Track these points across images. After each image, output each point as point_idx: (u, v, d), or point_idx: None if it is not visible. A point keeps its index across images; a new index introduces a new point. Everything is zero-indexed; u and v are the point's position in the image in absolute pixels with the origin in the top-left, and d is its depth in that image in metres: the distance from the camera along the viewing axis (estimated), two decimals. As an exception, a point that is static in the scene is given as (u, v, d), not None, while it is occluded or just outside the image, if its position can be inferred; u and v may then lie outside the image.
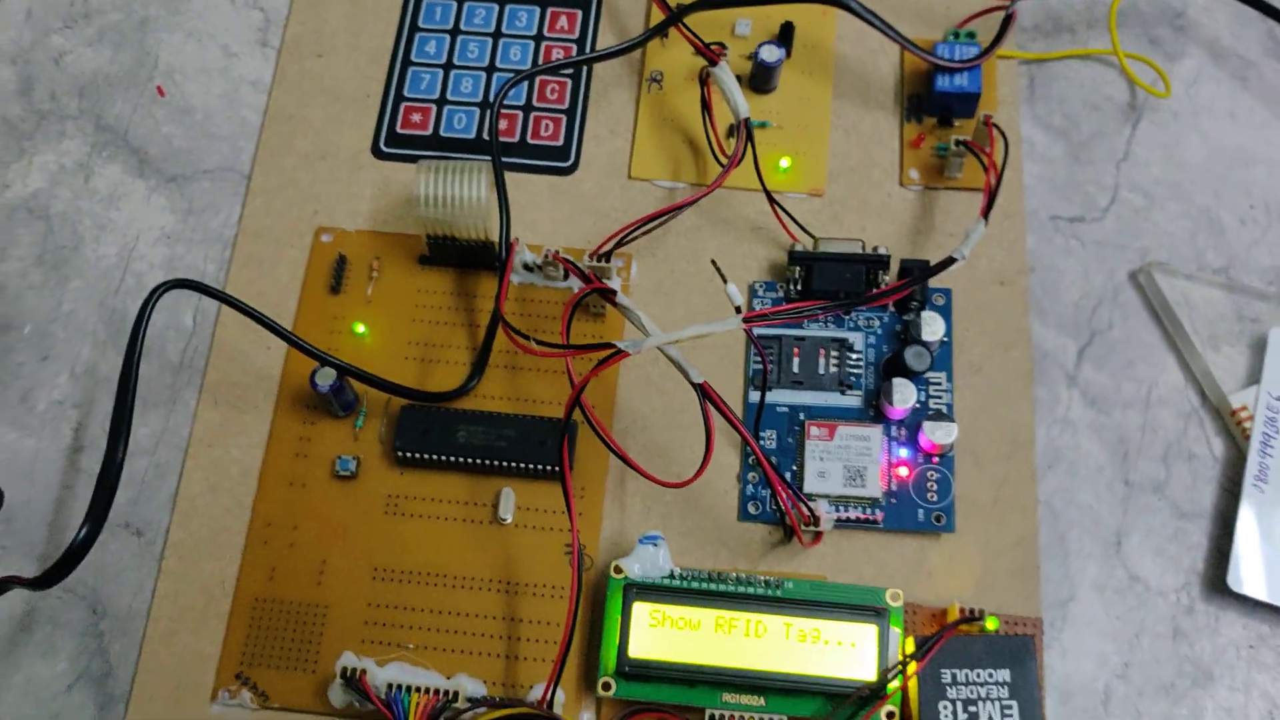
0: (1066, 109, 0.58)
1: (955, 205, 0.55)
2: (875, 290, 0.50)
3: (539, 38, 0.59)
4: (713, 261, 0.49)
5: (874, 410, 0.51)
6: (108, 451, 0.44)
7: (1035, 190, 0.56)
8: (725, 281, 0.45)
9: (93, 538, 0.43)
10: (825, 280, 0.52)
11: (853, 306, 0.50)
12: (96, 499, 0.43)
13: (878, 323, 0.53)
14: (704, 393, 0.45)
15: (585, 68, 0.58)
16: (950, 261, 0.47)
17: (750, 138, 0.52)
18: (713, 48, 0.54)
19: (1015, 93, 0.58)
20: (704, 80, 0.54)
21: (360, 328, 0.53)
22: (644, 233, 0.52)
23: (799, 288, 0.53)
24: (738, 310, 0.45)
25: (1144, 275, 0.54)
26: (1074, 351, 0.53)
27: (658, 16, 0.57)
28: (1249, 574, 0.49)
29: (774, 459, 0.50)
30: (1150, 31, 0.60)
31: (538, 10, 0.59)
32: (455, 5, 0.60)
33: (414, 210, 0.51)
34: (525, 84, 0.58)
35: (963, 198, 0.55)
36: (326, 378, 0.49)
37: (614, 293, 0.47)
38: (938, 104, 0.56)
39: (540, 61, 0.58)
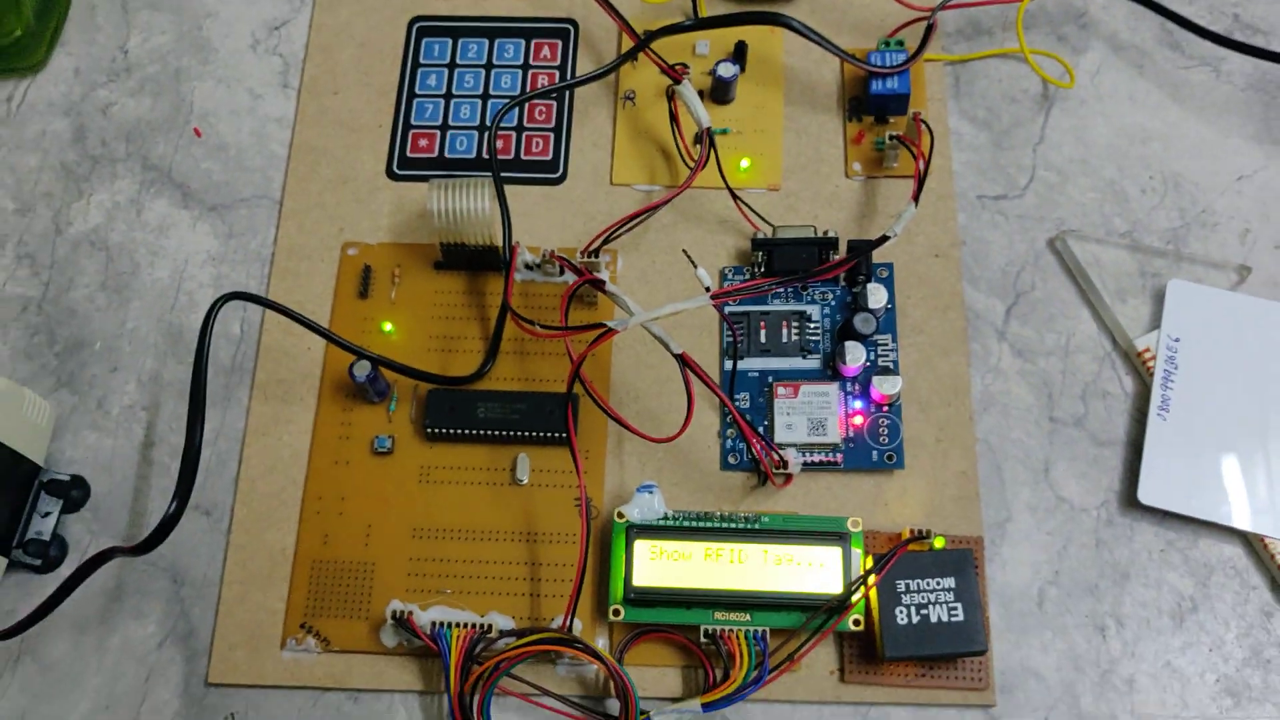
0: (988, 102, 0.67)
1: (894, 191, 0.64)
2: (824, 265, 0.59)
3: (525, 66, 0.67)
4: (684, 251, 0.58)
5: (831, 370, 0.60)
6: (187, 438, 0.52)
7: (963, 174, 0.65)
8: (695, 266, 0.54)
9: (180, 511, 0.51)
10: (784, 261, 0.61)
11: (804, 280, 0.59)
12: (182, 478, 0.52)
13: (831, 296, 0.61)
14: (684, 362, 0.54)
15: (568, 91, 0.67)
16: (884, 239, 0.56)
17: (712, 144, 0.61)
18: (676, 68, 0.63)
19: (942, 91, 0.67)
20: (670, 96, 0.63)
21: (388, 326, 0.61)
22: (626, 230, 0.61)
23: (762, 269, 0.61)
24: (707, 290, 0.53)
25: (1060, 242, 0.63)
26: (1002, 311, 0.62)
27: (628, 43, 0.65)
28: (1157, 489, 0.57)
29: (748, 416, 0.59)
30: (1058, 30, 0.69)
31: (523, 42, 0.68)
32: (451, 41, 0.68)
33: (428, 223, 0.59)
34: (517, 108, 0.66)
35: (900, 184, 0.64)
36: (363, 369, 0.58)
37: (603, 282, 0.56)
38: (874, 105, 0.65)
39: (528, 88, 0.67)
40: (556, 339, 0.57)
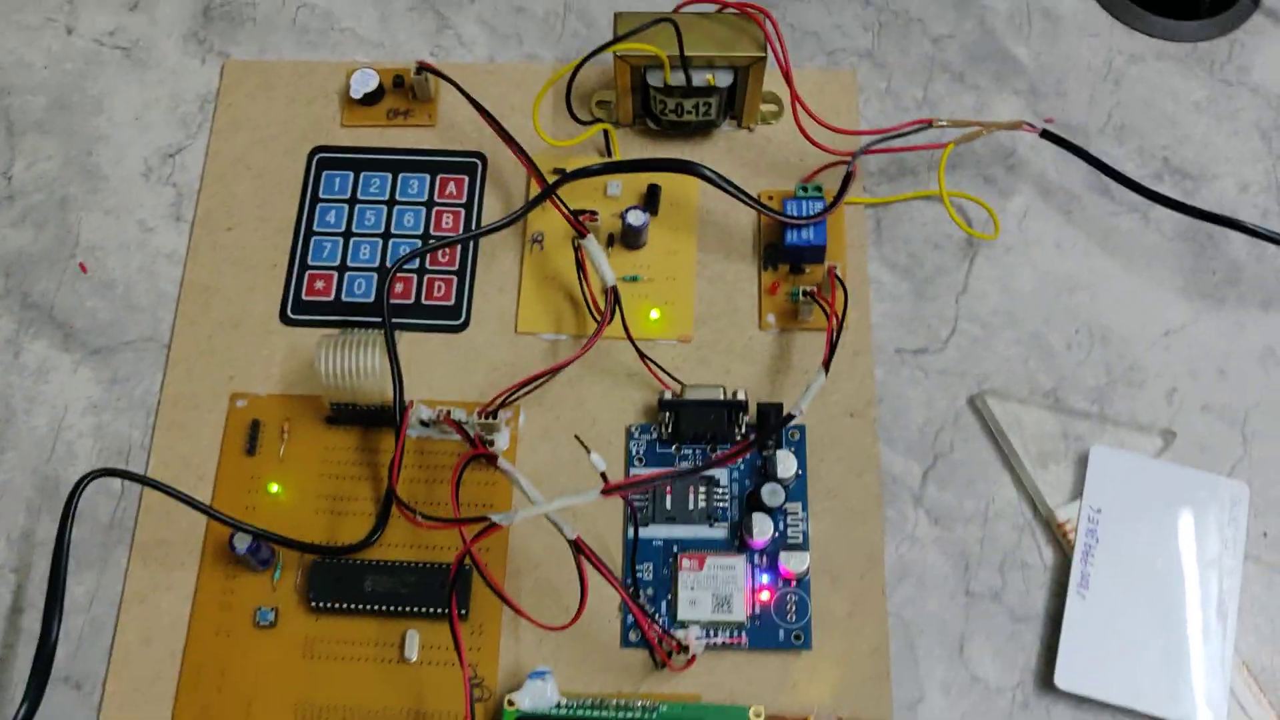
0: (911, 248, 0.64)
1: (809, 345, 0.62)
2: (724, 454, 0.56)
3: (430, 203, 0.65)
4: (576, 437, 0.55)
5: (739, 540, 0.57)
6: (42, 633, 0.49)
7: (883, 326, 0.63)
8: (588, 451, 0.51)
9: (33, 713, 0.48)
10: (691, 424, 0.58)
11: (703, 469, 0.56)
12: (35, 675, 0.48)
13: (740, 460, 0.59)
14: (578, 548, 0.51)
15: (472, 227, 0.64)
16: (789, 418, 0.54)
17: (618, 302, 0.58)
18: (582, 217, 0.61)
19: (862, 235, 0.64)
20: (577, 247, 0.60)
21: (274, 487, 0.58)
22: (527, 392, 0.58)
23: (669, 429, 0.59)
24: (603, 476, 0.51)
25: (980, 401, 0.61)
26: (919, 474, 0.60)
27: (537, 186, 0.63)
28: (1074, 673, 0.55)
29: (650, 590, 0.56)
30: (985, 170, 0.66)
31: (428, 178, 0.65)
32: (353, 175, 0.65)
33: (317, 381, 0.56)
34: (418, 245, 0.64)
35: (816, 338, 0.62)
36: (243, 541, 0.55)
37: (495, 457, 0.53)
38: (789, 255, 0.62)
39: (431, 227, 0.64)
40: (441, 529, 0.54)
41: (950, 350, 0.62)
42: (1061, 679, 0.55)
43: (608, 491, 0.49)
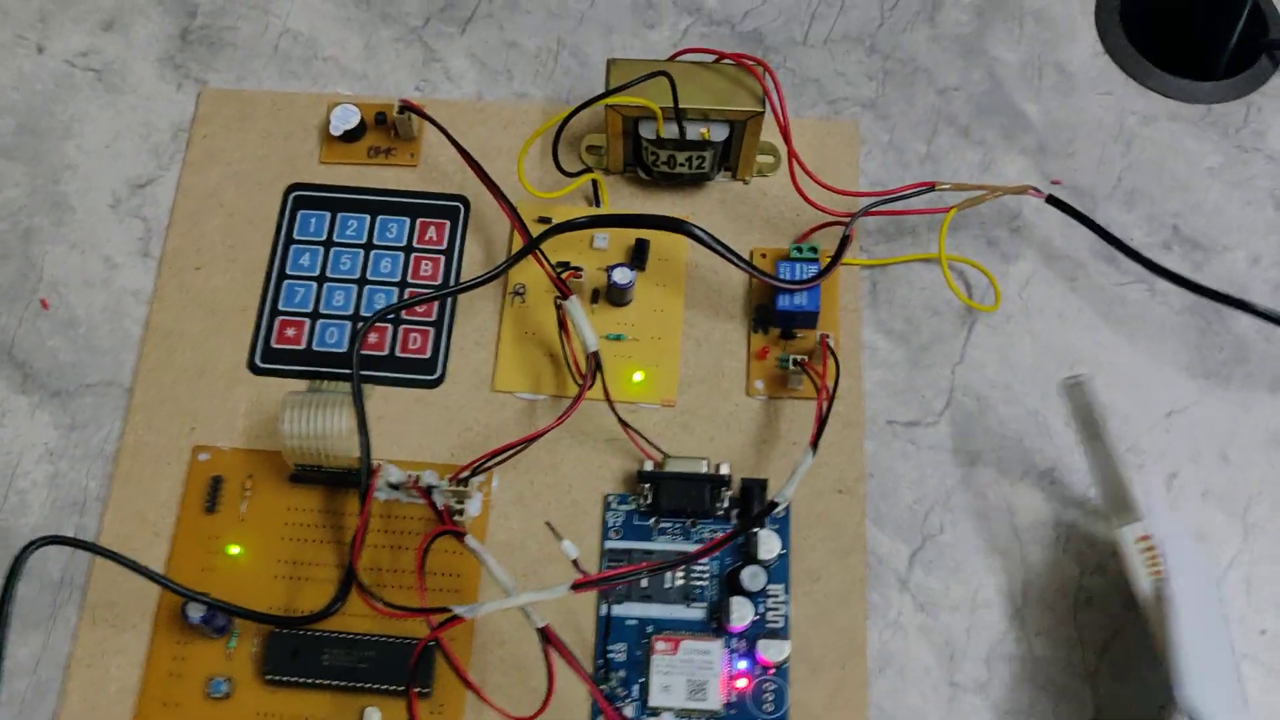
0: (907, 313, 0.62)
1: (797, 415, 0.59)
2: (705, 546, 0.54)
3: (409, 249, 0.62)
4: (548, 523, 0.53)
5: (716, 623, 0.55)
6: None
7: (875, 395, 0.60)
8: (559, 539, 0.49)
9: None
10: (672, 497, 0.56)
11: (680, 564, 0.53)
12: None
13: (720, 534, 0.56)
14: (545, 637, 0.48)
15: (451, 276, 0.61)
16: (772, 506, 0.51)
17: (599, 367, 0.56)
18: (566, 274, 0.58)
19: (857, 299, 0.62)
20: (559, 306, 0.57)
21: (234, 549, 0.56)
22: (500, 462, 0.55)
23: (649, 501, 0.56)
24: (575, 565, 0.48)
25: (1073, 388, 0.55)
26: (907, 556, 0.57)
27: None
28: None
29: (622, 672, 0.54)
30: (989, 233, 0.64)
31: (408, 221, 0.63)
32: (329, 215, 0.63)
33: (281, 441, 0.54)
34: (395, 294, 0.61)
35: (804, 407, 0.59)
36: (197, 611, 0.52)
37: (463, 535, 0.51)
38: (780, 319, 0.59)
39: (409, 274, 0.61)
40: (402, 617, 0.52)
41: (944, 424, 0.60)
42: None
43: (579, 587, 0.47)
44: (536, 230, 0.60)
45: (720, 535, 0.54)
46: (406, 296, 0.61)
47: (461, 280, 0.61)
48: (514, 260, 0.58)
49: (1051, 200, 0.62)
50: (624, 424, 0.57)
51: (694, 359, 0.60)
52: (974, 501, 0.58)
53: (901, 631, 0.56)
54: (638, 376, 0.59)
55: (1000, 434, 0.60)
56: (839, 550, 0.57)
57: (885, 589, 0.57)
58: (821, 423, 0.54)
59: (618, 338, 0.60)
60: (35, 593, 0.56)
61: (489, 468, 0.56)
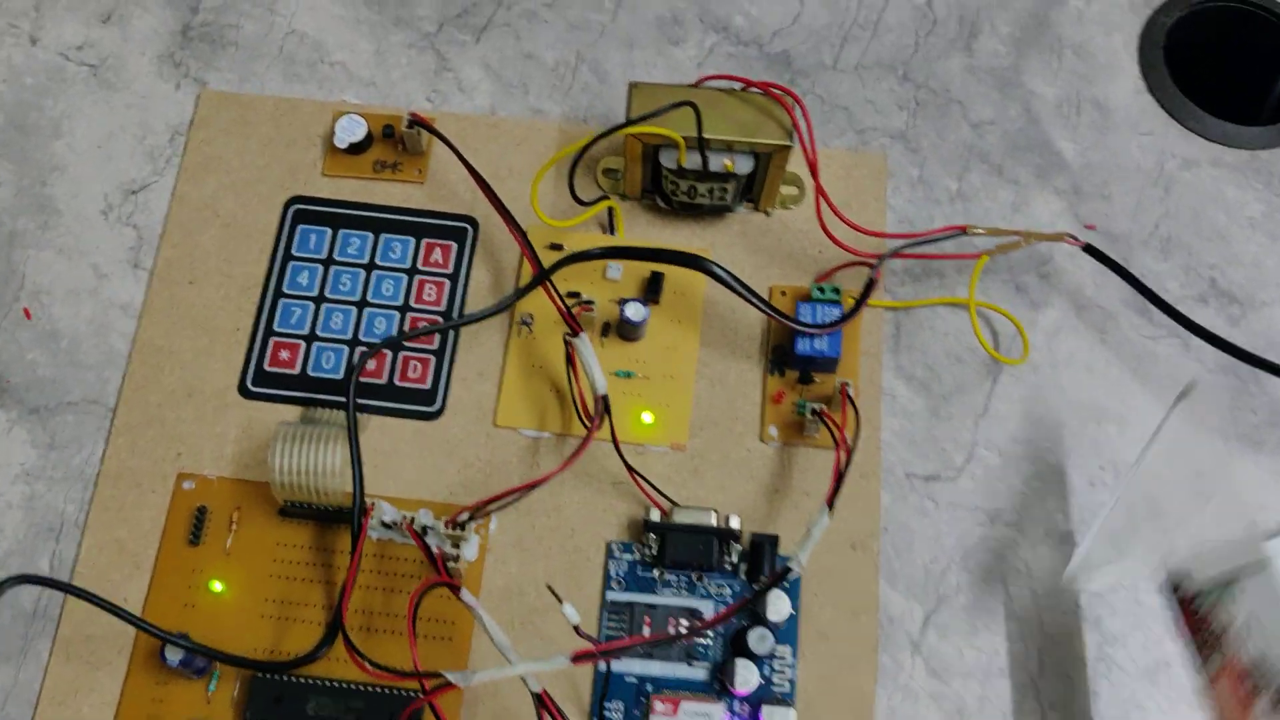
0: (930, 359, 0.59)
1: (812, 464, 0.57)
2: (711, 619, 0.51)
3: (412, 271, 0.59)
4: (549, 586, 0.50)
5: (719, 684, 0.52)
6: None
7: (893, 446, 0.57)
8: (560, 602, 0.46)
9: None
10: (678, 551, 0.53)
11: (680, 640, 0.51)
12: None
13: (728, 591, 0.54)
14: (541, 701, 0.46)
15: (456, 301, 0.58)
16: (786, 571, 0.48)
17: (608, 411, 0.53)
18: (578, 308, 0.55)
19: (878, 342, 0.59)
20: (568, 342, 0.55)
21: (217, 585, 0.53)
22: (500, 507, 0.53)
23: (654, 552, 0.54)
24: (576, 630, 0.46)
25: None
26: (920, 617, 0.55)
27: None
28: None
29: (620, 733, 0.51)
30: (1017, 278, 0.61)
31: (413, 241, 0.60)
32: (330, 232, 0.60)
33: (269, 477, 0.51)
34: (396, 318, 0.58)
35: (819, 456, 0.57)
36: (175, 654, 0.50)
37: (459, 588, 0.48)
38: (799, 363, 0.57)
39: (412, 298, 0.59)
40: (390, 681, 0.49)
41: (964, 480, 0.57)
42: None
43: (579, 659, 0.44)
44: (548, 257, 0.57)
45: (729, 606, 0.52)
46: (409, 323, 0.58)
47: (467, 309, 0.58)
48: (523, 293, 0.55)
49: (1089, 250, 0.59)
50: (631, 470, 0.54)
51: (706, 400, 0.58)
52: (992, 562, 0.56)
53: (912, 697, 0.54)
54: (647, 417, 0.57)
55: (1022, 492, 0.57)
56: (850, 610, 0.54)
57: (897, 651, 0.54)
58: (839, 480, 0.52)
59: (627, 375, 0.57)
60: (6, 623, 0.53)
61: (488, 512, 0.53)
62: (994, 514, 0.57)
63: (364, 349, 0.57)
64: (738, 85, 0.57)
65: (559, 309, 0.54)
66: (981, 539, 0.56)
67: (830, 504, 0.51)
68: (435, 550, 0.51)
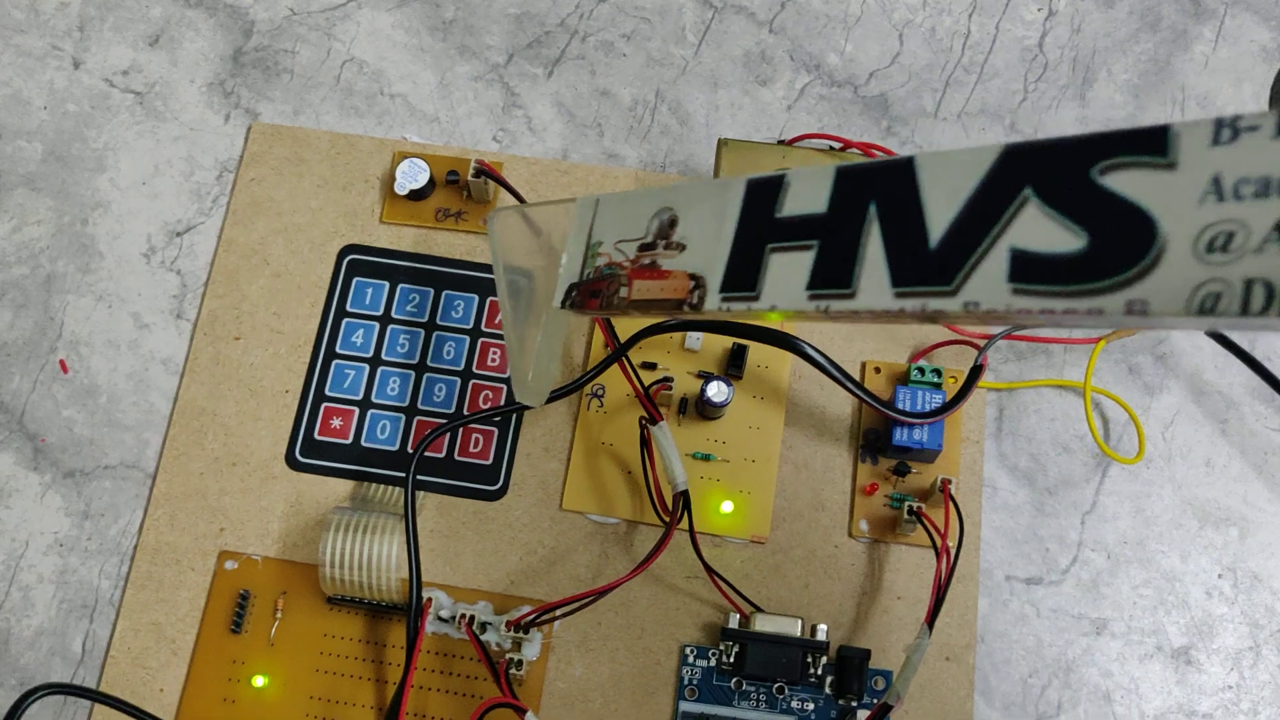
0: (1034, 448, 0.54)
1: (907, 563, 0.52)
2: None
3: (475, 332, 0.55)
4: None
5: (800, 810, 0.48)
6: None
7: (993, 544, 0.53)
8: (639, 745, 0.42)
9: None
10: (758, 663, 0.49)
11: None
12: None
13: (812, 707, 0.49)
14: (611, 846, 0.42)
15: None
16: (887, 710, 0.44)
17: (688, 509, 0.48)
18: (655, 388, 0.51)
19: (981, 428, 0.54)
20: (644, 427, 0.50)
21: (259, 680, 0.49)
22: (566, 614, 0.48)
23: (731, 660, 0.49)
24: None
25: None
26: (1018, 738, 0.50)
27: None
28: None
29: None
30: (1130, 358, 0.56)
31: (476, 300, 0.55)
32: (388, 286, 0.55)
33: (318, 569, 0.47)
34: (457, 385, 0.54)
35: (915, 555, 0.52)
36: (213, 763, 0.46)
37: (524, 710, 0.44)
38: (894, 452, 0.52)
39: (475, 363, 0.54)
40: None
41: (1068, 584, 0.52)
42: None
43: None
44: (623, 323, 0.52)
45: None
46: (470, 391, 0.53)
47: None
48: (598, 370, 0.51)
49: (1212, 334, 0.54)
50: (710, 570, 0.50)
51: (791, 488, 0.53)
52: (1097, 679, 0.51)
53: (1007, 828, 0.49)
54: (727, 506, 0.52)
55: (1132, 600, 0.52)
56: (942, 728, 0.50)
57: (991, 777, 0.50)
58: (940, 594, 0.47)
59: (706, 457, 0.53)
60: (35, 710, 0.49)
61: (553, 619, 0.49)
62: (1100, 624, 0.52)
63: (424, 411, 0.52)
64: (836, 145, 0.52)
65: (637, 393, 0.50)
66: (1086, 651, 0.51)
67: (930, 623, 0.46)
68: (495, 650, 0.46)
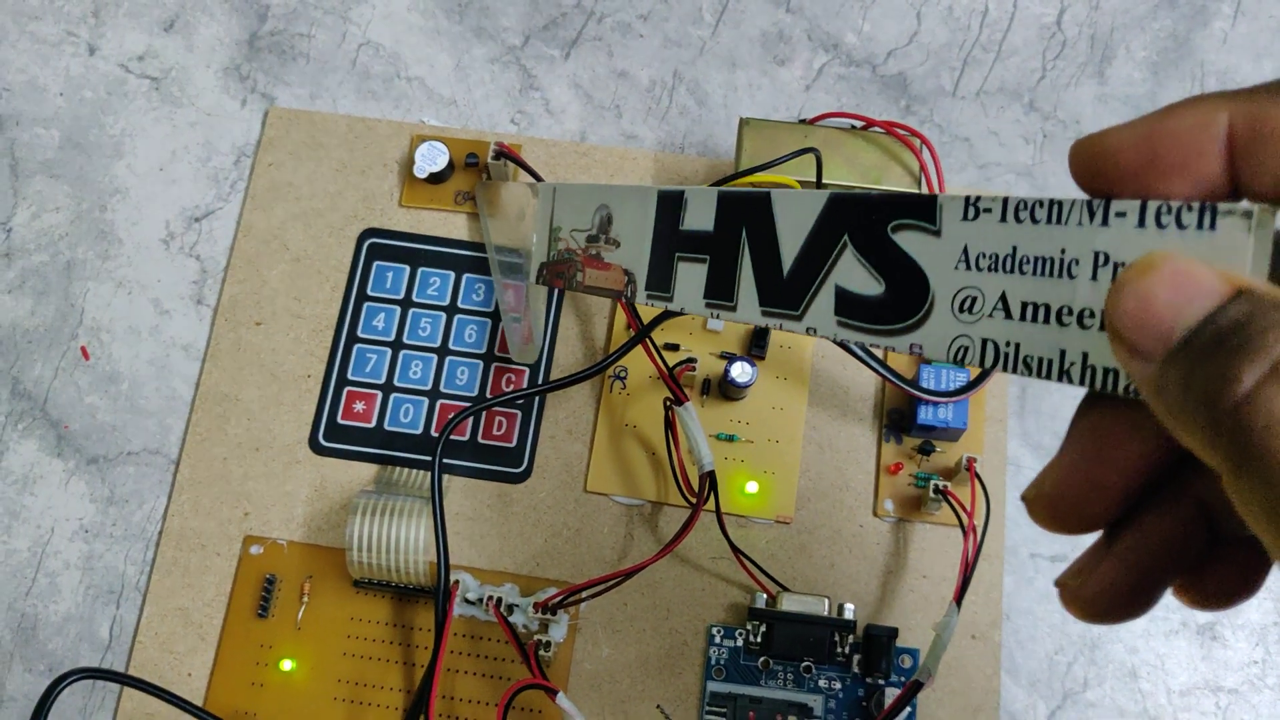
0: (1057, 425, 0.54)
1: (932, 542, 0.52)
2: None
3: (497, 315, 0.54)
4: (659, 707, 0.46)
5: (828, 789, 0.48)
6: None
7: (1017, 523, 0.53)
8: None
9: None
10: (785, 642, 0.49)
11: None
12: None
13: (839, 686, 0.49)
14: (644, 825, 0.42)
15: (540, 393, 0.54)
16: (918, 686, 0.44)
17: (714, 489, 0.48)
18: (679, 368, 0.50)
19: (1004, 407, 0.54)
20: (669, 408, 0.50)
21: (287, 664, 0.49)
22: (593, 595, 0.48)
23: (757, 640, 0.49)
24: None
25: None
26: (1044, 715, 0.50)
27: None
28: None
29: (719, 839, 0.47)
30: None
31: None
32: (409, 270, 0.55)
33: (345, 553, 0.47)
34: (479, 368, 0.54)
35: (941, 534, 0.52)
36: (244, 747, 0.46)
37: (555, 691, 0.44)
38: (919, 431, 0.52)
39: (496, 345, 0.54)
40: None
41: (1094, 561, 0.52)
42: None
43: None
44: (647, 318, 0.52)
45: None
46: (492, 374, 0.53)
47: (555, 358, 0.54)
48: (621, 353, 0.51)
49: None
50: (736, 550, 0.50)
51: (815, 468, 0.53)
52: (1123, 655, 0.51)
53: (1034, 805, 0.49)
54: (752, 487, 0.52)
55: (1157, 576, 0.52)
56: (968, 707, 0.50)
57: (1019, 754, 0.50)
58: (968, 573, 0.47)
59: (730, 438, 0.53)
60: (65, 696, 0.49)
61: (579, 600, 0.49)
62: (1126, 600, 0.52)
63: (447, 394, 0.52)
64: (858, 123, 0.52)
65: (661, 374, 0.50)
66: (1111, 627, 0.51)
67: (958, 601, 0.46)
68: (522, 632, 0.46)
